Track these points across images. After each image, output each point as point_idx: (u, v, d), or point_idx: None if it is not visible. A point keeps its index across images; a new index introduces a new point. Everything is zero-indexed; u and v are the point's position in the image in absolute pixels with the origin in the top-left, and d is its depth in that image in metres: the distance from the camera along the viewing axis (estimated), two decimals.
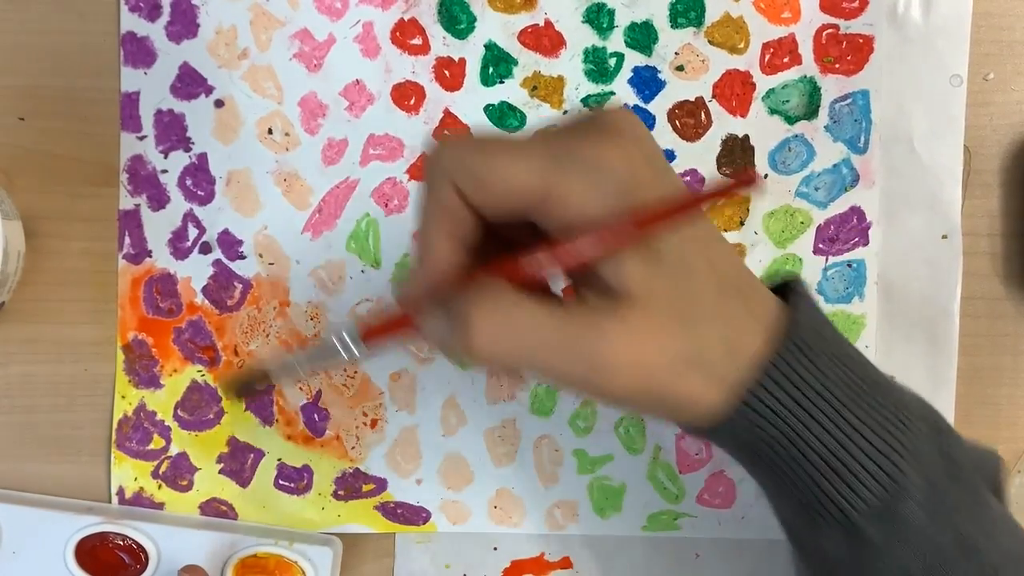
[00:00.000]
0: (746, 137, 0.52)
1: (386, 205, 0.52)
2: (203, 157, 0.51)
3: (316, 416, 0.52)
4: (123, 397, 0.51)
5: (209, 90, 0.51)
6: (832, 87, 0.52)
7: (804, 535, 0.39)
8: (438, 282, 0.35)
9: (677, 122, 0.52)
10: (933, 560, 0.36)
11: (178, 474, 0.52)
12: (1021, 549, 0.38)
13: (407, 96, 0.51)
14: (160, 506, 0.52)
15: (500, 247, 0.36)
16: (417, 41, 0.51)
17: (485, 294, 0.33)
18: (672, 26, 0.51)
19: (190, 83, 0.51)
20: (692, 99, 0.52)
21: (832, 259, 0.52)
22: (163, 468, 0.52)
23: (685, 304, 0.34)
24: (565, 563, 0.53)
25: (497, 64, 0.51)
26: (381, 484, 0.52)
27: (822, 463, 0.36)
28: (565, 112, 0.51)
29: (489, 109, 0.51)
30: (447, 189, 0.34)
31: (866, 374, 0.37)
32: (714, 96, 0.52)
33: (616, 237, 0.33)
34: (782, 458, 0.36)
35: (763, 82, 0.52)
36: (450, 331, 0.34)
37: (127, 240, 0.51)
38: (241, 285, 0.52)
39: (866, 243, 0.52)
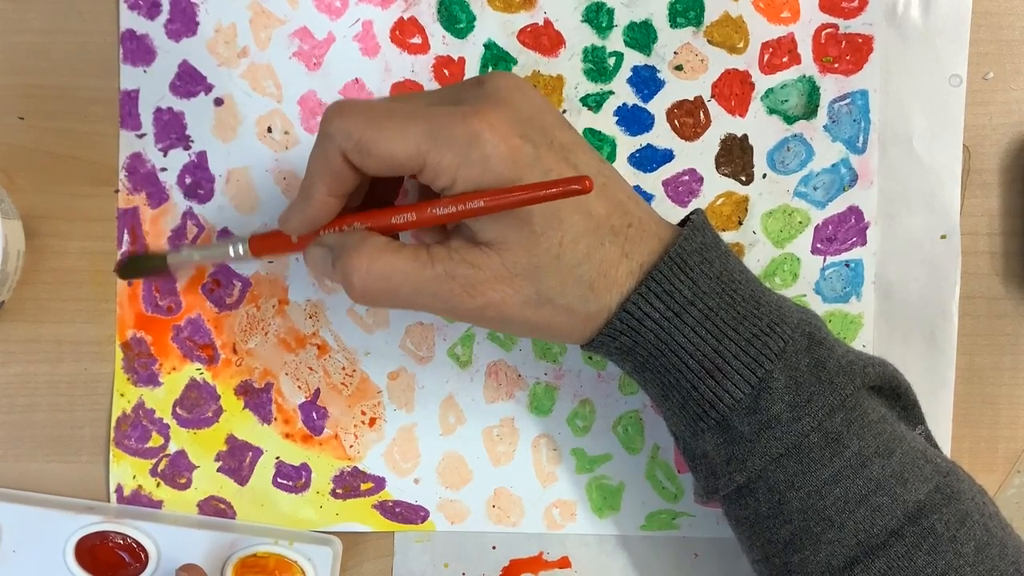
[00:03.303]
0: (745, 137, 0.52)
1: None
2: (202, 155, 0.51)
3: (314, 415, 0.52)
4: (122, 395, 0.51)
5: (208, 88, 0.51)
6: (831, 87, 0.52)
7: (690, 442, 0.43)
8: (313, 223, 0.41)
9: (676, 121, 0.52)
10: (797, 449, 0.41)
11: (176, 472, 0.52)
12: (889, 444, 0.41)
13: None
14: (159, 504, 0.52)
15: (383, 185, 0.44)
16: (417, 40, 0.51)
17: (363, 252, 0.39)
18: (671, 25, 0.51)
19: (189, 81, 0.51)
20: (691, 98, 0.52)
21: (830, 259, 0.52)
22: (161, 466, 0.52)
23: (542, 253, 0.39)
24: (563, 562, 0.53)
25: (496, 63, 0.51)
26: (379, 483, 0.52)
27: (697, 366, 0.41)
28: (564, 112, 0.51)
29: None
30: (335, 154, 0.39)
31: (749, 293, 0.42)
32: (713, 95, 0.52)
33: (469, 210, 0.38)
34: (663, 365, 0.41)
35: (762, 82, 0.52)
36: (328, 264, 0.41)
37: (126, 238, 0.51)
38: (240, 283, 0.52)
39: (864, 243, 0.52)
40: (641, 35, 0.52)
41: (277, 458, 0.52)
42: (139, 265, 0.50)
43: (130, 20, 0.51)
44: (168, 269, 0.49)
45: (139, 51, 0.51)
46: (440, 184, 0.39)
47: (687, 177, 0.52)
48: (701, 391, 0.41)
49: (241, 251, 0.46)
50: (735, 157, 0.52)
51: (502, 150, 0.38)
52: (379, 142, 0.38)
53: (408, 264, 0.39)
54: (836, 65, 0.52)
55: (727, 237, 0.52)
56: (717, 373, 0.41)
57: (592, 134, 0.52)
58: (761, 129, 0.52)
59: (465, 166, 0.38)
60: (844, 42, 0.52)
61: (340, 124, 0.39)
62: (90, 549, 0.50)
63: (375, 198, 0.44)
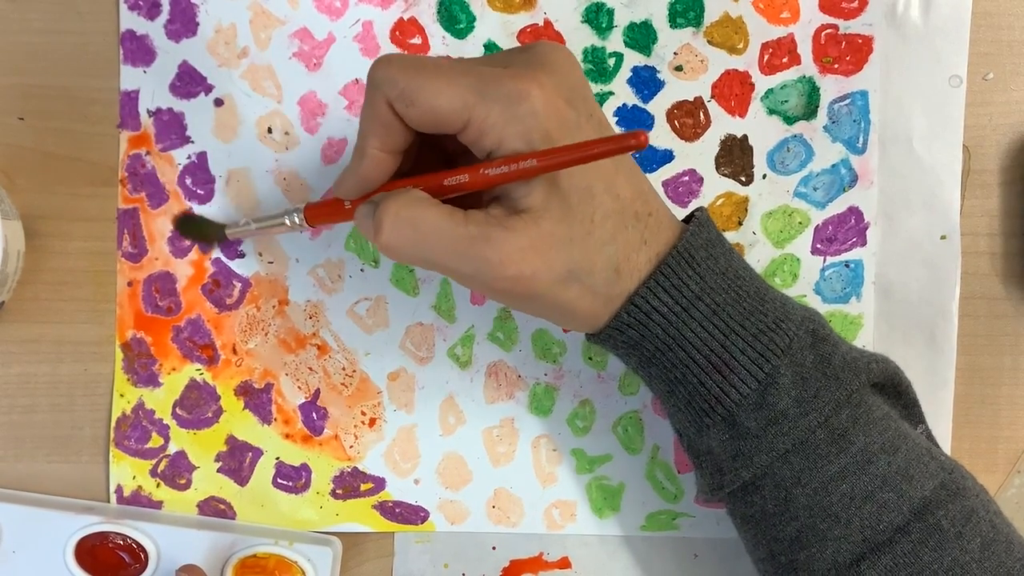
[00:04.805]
0: (745, 137, 0.52)
1: None
2: (202, 156, 0.51)
3: (314, 415, 0.52)
4: (122, 395, 0.51)
5: (208, 89, 0.51)
6: (831, 87, 0.52)
7: (695, 438, 0.43)
8: (367, 183, 0.40)
9: (676, 122, 0.52)
10: (803, 445, 0.41)
11: (176, 472, 0.52)
12: (894, 441, 0.41)
13: None
14: (158, 504, 0.52)
15: (440, 152, 0.42)
16: (417, 40, 0.51)
17: (399, 199, 0.38)
18: (671, 26, 0.52)
19: (189, 82, 0.51)
20: (691, 99, 0.52)
21: (830, 259, 0.52)
22: (161, 466, 0.52)
23: (576, 225, 0.39)
24: (563, 563, 0.53)
25: None
26: (379, 483, 0.52)
27: (704, 361, 0.41)
28: None
29: None
30: (381, 104, 0.38)
31: (754, 289, 0.42)
32: (713, 96, 0.52)
33: (521, 170, 0.37)
34: (670, 360, 0.42)
35: (762, 82, 0.52)
36: (370, 220, 0.39)
37: (126, 238, 0.51)
38: (240, 284, 0.52)
39: (864, 243, 0.52)
40: (641, 35, 0.52)
41: (277, 458, 0.52)
42: (198, 227, 0.50)
43: (130, 20, 0.51)
44: (227, 238, 0.49)
45: (139, 51, 0.51)
46: (486, 144, 0.38)
47: (687, 178, 0.52)
48: (708, 386, 0.41)
49: (297, 220, 0.45)
50: (735, 158, 0.52)
51: (549, 110, 0.37)
52: (425, 91, 0.37)
53: (440, 218, 0.38)
54: (836, 65, 0.52)
55: (727, 238, 0.52)
56: (724, 368, 0.41)
57: None
58: (761, 129, 0.52)
59: (513, 122, 0.37)
60: (844, 42, 0.52)
61: (386, 72, 0.38)
62: (90, 549, 0.50)
63: (426, 169, 0.43)
